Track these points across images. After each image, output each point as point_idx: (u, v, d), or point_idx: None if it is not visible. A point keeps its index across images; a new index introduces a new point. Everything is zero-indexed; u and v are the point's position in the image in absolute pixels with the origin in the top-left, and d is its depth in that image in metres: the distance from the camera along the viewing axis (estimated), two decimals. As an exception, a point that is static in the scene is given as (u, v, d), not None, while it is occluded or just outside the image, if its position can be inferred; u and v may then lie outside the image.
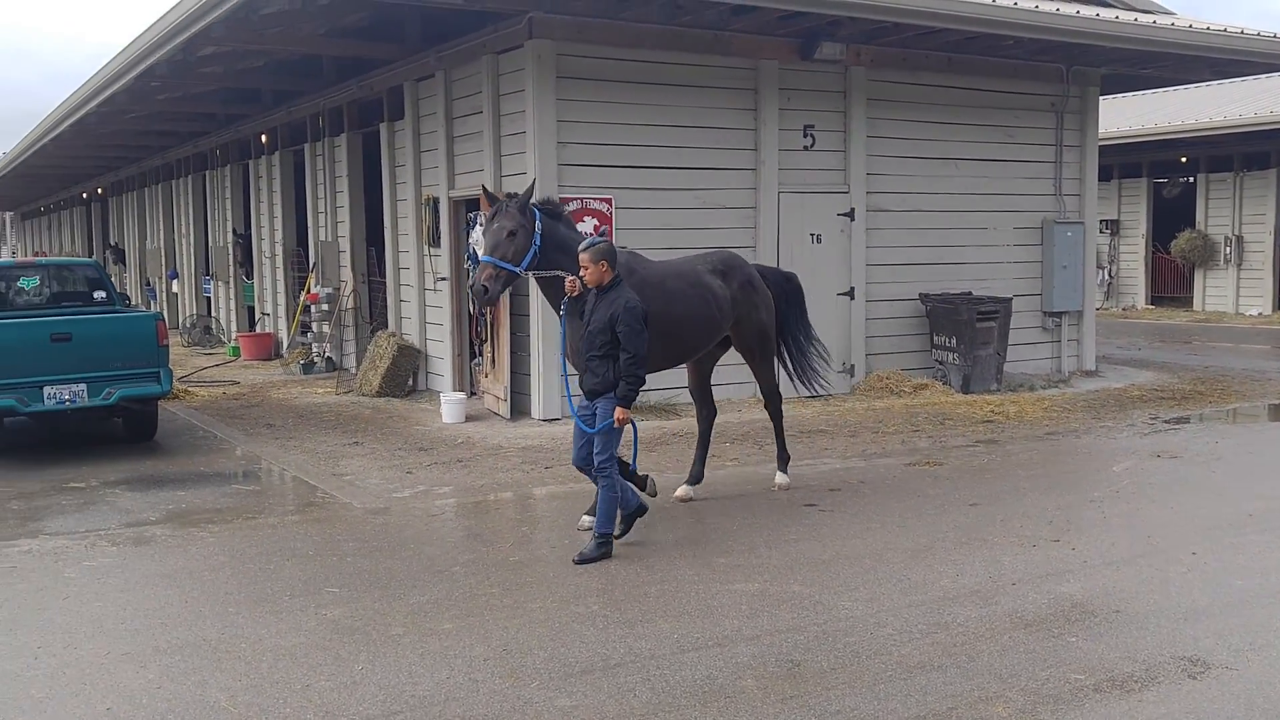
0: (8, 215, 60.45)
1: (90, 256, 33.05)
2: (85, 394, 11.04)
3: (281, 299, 20.69)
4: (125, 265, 31.80)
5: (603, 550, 7.28)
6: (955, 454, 10.84)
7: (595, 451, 7.46)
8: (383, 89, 16.01)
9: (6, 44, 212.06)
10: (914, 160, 14.90)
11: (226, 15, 12.23)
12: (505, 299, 12.53)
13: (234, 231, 22.63)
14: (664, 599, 6.49)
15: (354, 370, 16.75)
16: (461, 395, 13.22)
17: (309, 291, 18.36)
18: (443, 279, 14.46)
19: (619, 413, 7.35)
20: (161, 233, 28.14)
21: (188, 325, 24.42)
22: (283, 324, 20.61)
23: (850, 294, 14.47)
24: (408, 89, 15.11)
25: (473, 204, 13.58)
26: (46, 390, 10.90)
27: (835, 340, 14.35)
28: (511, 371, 12.89)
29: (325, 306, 17.84)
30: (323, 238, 18.51)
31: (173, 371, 12.07)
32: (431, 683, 5.28)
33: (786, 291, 9.65)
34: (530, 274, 8.15)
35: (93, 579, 7.07)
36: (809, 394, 10.22)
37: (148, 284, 29.39)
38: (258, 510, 9.02)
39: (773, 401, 9.61)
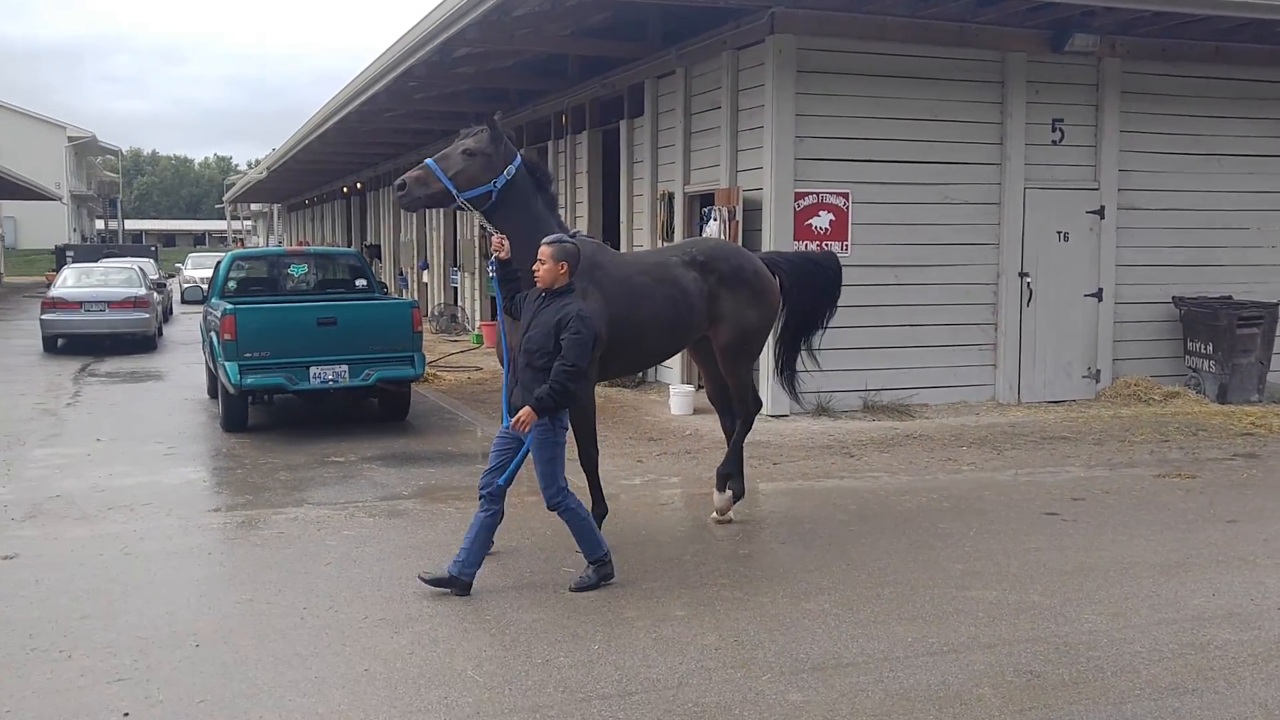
0: (275, 207, 65.18)
1: (351, 247, 35.18)
2: (347, 375, 11.82)
3: (521, 290, 21.46)
4: (380, 258, 33.75)
5: (602, 574, 6.63)
6: (1210, 467, 10.19)
7: (541, 487, 6.60)
8: (624, 87, 16.37)
9: (281, 47, 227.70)
10: (1171, 156, 14.07)
11: (481, 18, 12.81)
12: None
13: (481, 225, 23.61)
14: (898, 601, 6.41)
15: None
16: (690, 388, 13.39)
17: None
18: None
19: (523, 413, 6.38)
20: (414, 226, 29.70)
21: (436, 313, 25.70)
22: (521, 314, 21.37)
23: (1098, 295, 13.80)
24: (648, 86, 15.40)
25: (707, 199, 13.72)
26: (312, 370, 11.74)
27: (1080, 343, 13.75)
28: (742, 366, 12.95)
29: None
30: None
31: (425, 356, 12.76)
32: (664, 667, 5.41)
33: (816, 283, 8.51)
34: (470, 209, 7.39)
35: (352, 547, 7.57)
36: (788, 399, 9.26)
37: (401, 274, 31.11)
38: (499, 491, 9.42)
39: (748, 406, 8.34)
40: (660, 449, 11.09)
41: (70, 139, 70.33)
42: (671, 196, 14.78)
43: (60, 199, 62.82)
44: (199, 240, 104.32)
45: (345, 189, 39.72)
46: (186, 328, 26.86)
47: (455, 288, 26.45)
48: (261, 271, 14.56)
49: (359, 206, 38.69)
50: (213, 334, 12.56)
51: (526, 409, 6.37)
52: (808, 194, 12.44)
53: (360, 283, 14.43)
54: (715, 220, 12.93)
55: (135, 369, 18.54)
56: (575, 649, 5.64)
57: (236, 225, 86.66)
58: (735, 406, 8.42)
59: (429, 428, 12.56)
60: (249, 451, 11.14)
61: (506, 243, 6.92)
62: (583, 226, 18.12)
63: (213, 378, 13.73)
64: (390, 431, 12.25)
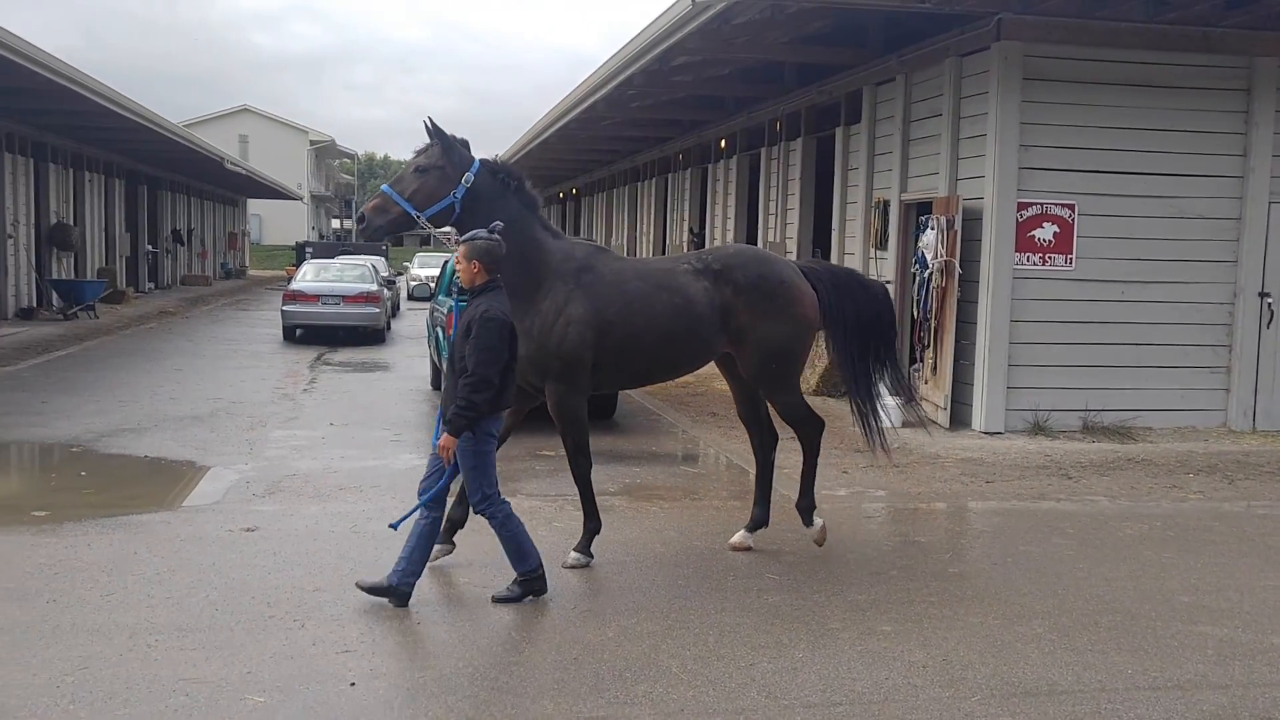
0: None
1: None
2: (558, 373, 12.16)
3: (729, 296, 21.59)
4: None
5: (528, 589, 6.38)
6: None
7: (469, 495, 6.44)
8: (840, 94, 16.24)
9: (502, 57, 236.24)
10: None
11: (701, 26, 12.97)
12: (952, 304, 12.33)
13: (690, 230, 23.88)
14: (1116, 631, 6.14)
15: (794, 368, 17.13)
16: (898, 400, 13.16)
17: (756, 290, 19.02)
18: (888, 282, 14.45)
19: (443, 440, 6.22)
20: (625, 230, 30.28)
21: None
22: (728, 320, 21.50)
23: (1351, 319, 12.80)
24: (866, 93, 15.22)
25: (924, 207, 13.46)
26: (527, 368, 12.13)
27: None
28: (954, 380, 12.65)
29: (770, 305, 18.37)
30: (771, 238, 19.09)
31: (633, 358, 12.99)
32: (870, 681, 5.36)
33: (858, 304, 7.64)
34: (432, 229, 7.18)
35: (561, 539, 7.80)
36: (871, 444, 7.92)
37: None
38: (702, 492, 9.54)
39: (803, 427, 7.66)
40: (866, 461, 10.94)
41: (312, 143, 74.94)
42: (886, 204, 14.56)
43: (301, 199, 66.98)
44: (424, 241, 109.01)
45: (561, 194, 40.87)
46: (412, 323, 28.20)
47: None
48: (484, 271, 15.13)
49: (574, 210, 39.72)
50: (438, 329, 13.16)
51: (445, 437, 6.21)
52: (1031, 204, 12.04)
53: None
54: (932, 229, 12.67)
55: (365, 360, 19.62)
56: (778, 655, 5.66)
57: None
58: (763, 434, 7.88)
59: (634, 428, 12.79)
60: (466, 443, 11.61)
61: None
62: (793, 233, 18.08)
63: (436, 370, 14.38)
64: (598, 429, 12.50)
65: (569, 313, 7.04)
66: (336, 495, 9.03)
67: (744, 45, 14.92)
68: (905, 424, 12.65)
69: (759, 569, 7.19)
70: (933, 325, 13.02)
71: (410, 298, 37.23)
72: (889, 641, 5.89)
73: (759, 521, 7.72)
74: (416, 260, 45.34)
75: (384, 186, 7.18)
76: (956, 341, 12.60)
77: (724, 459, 11.30)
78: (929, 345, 13.29)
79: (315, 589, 6.53)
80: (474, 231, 6.52)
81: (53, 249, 27.35)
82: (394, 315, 28.49)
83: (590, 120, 22.12)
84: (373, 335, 22.82)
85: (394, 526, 6.64)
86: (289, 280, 25.92)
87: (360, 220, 7.28)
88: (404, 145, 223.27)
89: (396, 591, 6.23)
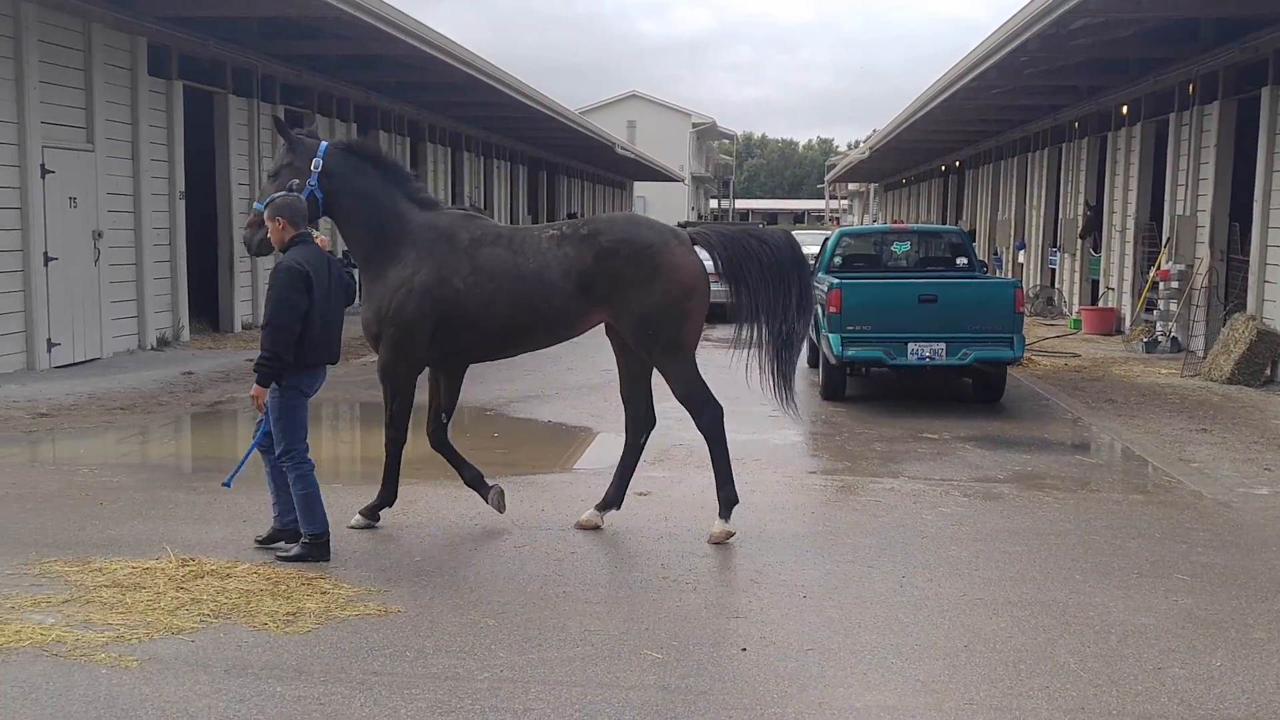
0: (872, 186, 66.68)
1: (949, 224, 35.13)
2: (944, 353, 11.86)
3: (1128, 274, 20.12)
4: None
5: (311, 552, 6.41)
6: None
7: (275, 445, 6.49)
8: (1269, 50, 14.62)
9: (883, 30, 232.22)
10: None
11: (1107, -16, 12.12)
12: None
13: (1085, 204, 22.45)
14: None
15: (1201, 353, 15.72)
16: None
17: (1159, 268, 17.61)
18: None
19: (253, 390, 6.39)
20: (1013, 204, 28.93)
21: (1031, 295, 24.87)
22: (1126, 299, 20.05)
23: None
24: (1301, 47, 13.62)
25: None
26: (910, 347, 11.92)
27: None
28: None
29: (1175, 284, 16.96)
30: (1180, 211, 17.57)
31: (1024, 339, 12.42)
32: (1302, 698, 4.84)
33: (759, 258, 7.12)
34: (309, 227, 6.76)
35: (947, 524, 7.62)
36: (779, 400, 7.59)
37: (995, 253, 30.48)
38: (1099, 483, 8.97)
39: (701, 413, 7.25)
40: (1293, 457, 9.86)
41: (694, 125, 77.22)
42: (1323, 172, 12.98)
43: (683, 180, 69.29)
44: (798, 219, 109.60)
45: (943, 167, 39.63)
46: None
47: (1053, 269, 25.40)
48: (866, 248, 15.04)
49: (955, 184, 38.41)
50: (818, 306, 13.19)
51: (255, 387, 6.39)
52: None
53: (961, 261, 14.36)
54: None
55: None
56: (1191, 661, 5.23)
57: (834, 204, 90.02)
58: (638, 414, 7.61)
59: (1023, 412, 12.23)
60: (845, 420, 11.60)
61: (324, 238, 6.83)
62: (1205, 206, 16.51)
63: (814, 348, 14.43)
64: (983, 413, 12.10)
65: (412, 281, 7.03)
66: (721, 466, 9.28)
67: (1152, 3, 13.79)
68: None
69: (1166, 568, 6.67)
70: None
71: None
72: (1326, 659, 5.28)
73: (611, 501, 7.43)
74: (793, 238, 45.70)
75: (255, 204, 7.21)
76: None
77: (1121, 448, 10.58)
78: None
79: (705, 555, 6.77)
80: (277, 194, 6.73)
81: (465, 230, 29.96)
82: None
83: (979, 90, 21.28)
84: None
85: (226, 484, 6.95)
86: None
87: (246, 242, 7.28)
88: (781, 124, 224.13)
89: (315, 541, 6.48)
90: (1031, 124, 26.57)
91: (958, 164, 37.02)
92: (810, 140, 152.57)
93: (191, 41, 16.38)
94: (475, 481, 7.48)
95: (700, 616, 5.74)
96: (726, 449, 7.36)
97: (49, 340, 13.43)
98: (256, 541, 6.80)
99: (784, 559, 6.79)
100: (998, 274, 28.54)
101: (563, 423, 11.34)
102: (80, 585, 5.99)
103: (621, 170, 52.62)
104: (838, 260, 14.52)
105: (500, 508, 7.37)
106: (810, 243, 40.40)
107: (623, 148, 41.02)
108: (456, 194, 29.52)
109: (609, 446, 10.15)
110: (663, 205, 77.25)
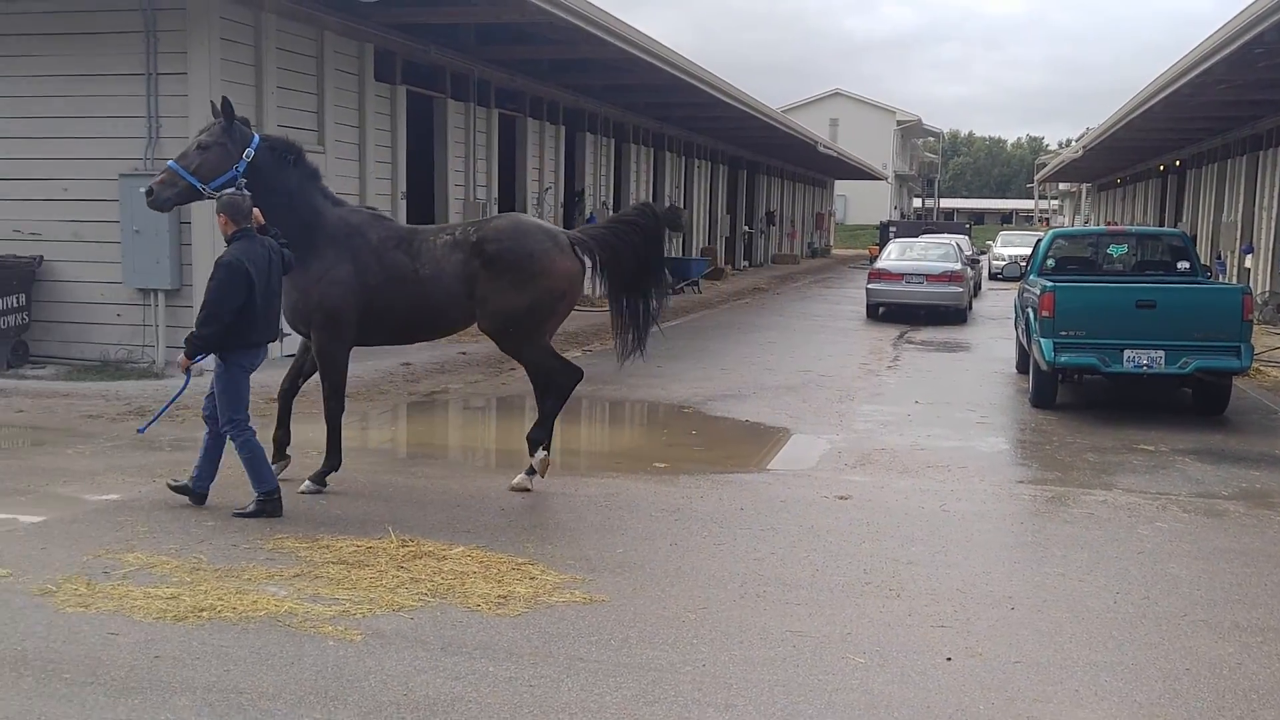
0: (1084, 186, 63.89)
1: (1168, 227, 33.38)
2: (1162, 361, 11.29)
3: (1374, 281, 18.64)
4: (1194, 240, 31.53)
5: (264, 508, 7.19)
6: None
7: (219, 416, 7.24)
8: None
9: (1097, 25, 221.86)
10: None
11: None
12: None
13: (1324, 205, 20.89)
14: None
15: None
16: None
17: None
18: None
19: (181, 359, 7.25)
20: (1240, 205, 27.21)
21: (1260, 302, 23.33)
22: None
23: None
24: None
25: None
26: (1126, 354, 11.39)
27: None
28: None
29: None
30: None
31: (1253, 348, 11.70)
32: None
33: (630, 241, 8.08)
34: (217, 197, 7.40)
35: (1165, 540, 7.26)
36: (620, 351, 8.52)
37: (1218, 257, 28.73)
38: (1340, 506, 8.37)
39: (555, 377, 8.14)
40: None
41: (898, 123, 75.83)
42: None
43: (885, 178, 68.12)
44: (1005, 219, 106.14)
45: (1161, 167, 37.61)
46: (993, 303, 27.64)
47: (1287, 275, 23.75)
48: (1081, 250, 14.46)
49: (1175, 185, 36.38)
50: (1029, 310, 12.77)
51: (182, 357, 7.24)
52: None
53: (1182, 265, 13.63)
54: None
55: (947, 340, 19.57)
56: None
57: (1043, 204, 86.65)
58: (536, 389, 8.27)
59: (1248, 426, 11.52)
60: (1056, 429, 11.19)
61: (258, 211, 7.37)
62: None
63: (1023, 353, 13.99)
64: (1204, 425, 11.46)
65: (334, 273, 7.79)
66: (924, 472, 9.13)
67: None
68: None
69: None
70: None
71: (991, 277, 36.43)
72: None
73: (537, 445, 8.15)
74: (1000, 239, 44.28)
75: (170, 162, 7.72)
76: None
77: (1366, 468, 9.81)
78: None
79: (908, 561, 6.67)
80: (227, 192, 7.39)
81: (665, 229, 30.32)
82: (975, 295, 28.06)
83: (1204, 85, 20.12)
84: (954, 315, 22.65)
85: (141, 431, 8.30)
86: (872, 259, 26.53)
87: (149, 193, 7.67)
88: (988, 121, 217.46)
89: (193, 493, 7.36)
90: (1263, 120, 24.90)
91: (1178, 163, 35.04)
92: (1019, 138, 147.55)
93: (414, 48, 17.15)
94: (280, 442, 8.21)
95: (904, 623, 5.66)
96: (561, 407, 8.32)
97: (280, 331, 14.31)
98: (169, 485, 7.50)
99: (990, 569, 6.63)
100: (1220, 279, 26.92)
101: (760, 422, 11.35)
102: (309, 561, 6.39)
103: (822, 168, 52.11)
104: (1050, 263, 14.01)
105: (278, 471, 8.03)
106: (1019, 244, 39.19)
107: (824, 146, 40.61)
108: (658, 193, 29.89)
109: (807, 447, 10.14)
110: (864, 203, 76.17)
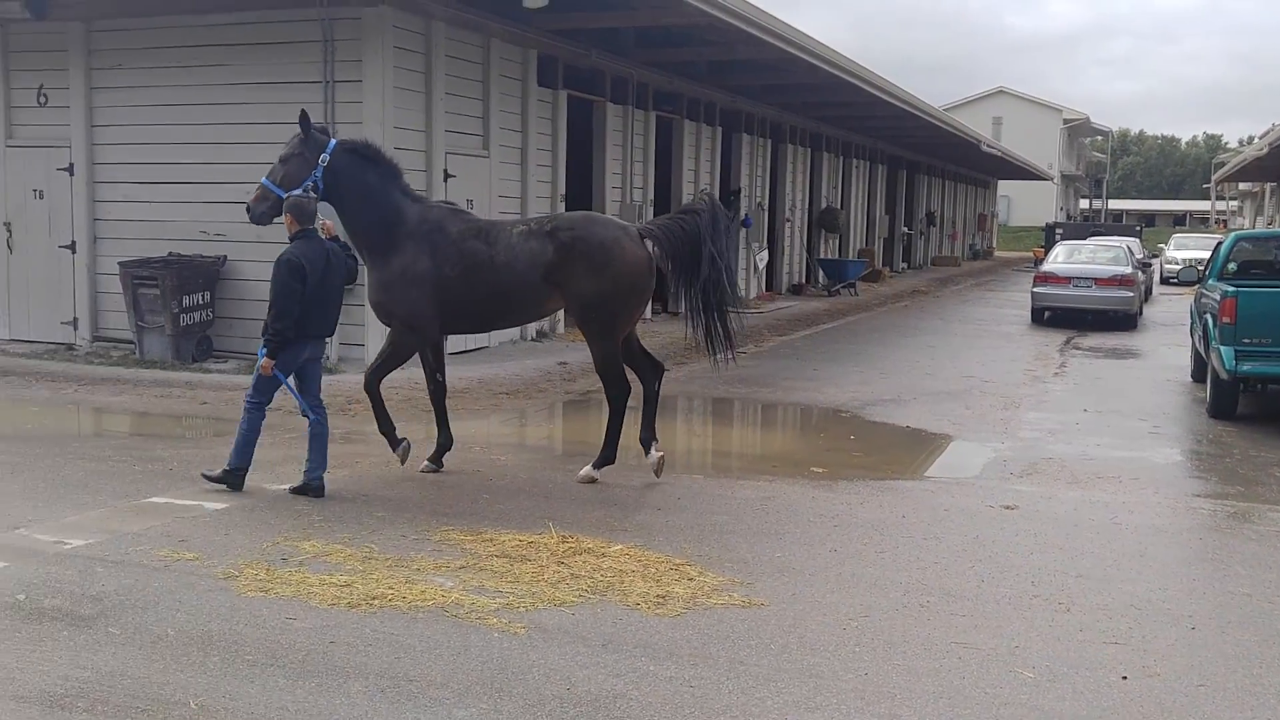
0: (1268, 186, 60.50)
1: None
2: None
3: None
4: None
5: (228, 480, 7.71)
6: None
7: (248, 392, 7.76)
8: None
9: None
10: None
11: None
12: None
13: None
14: None
15: None
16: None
17: None
18: None
19: (264, 362, 7.53)
20: None
21: None
22: None
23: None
24: None
25: None
26: (1311, 364, 10.76)
27: None
28: None
29: None
30: None
31: None
32: None
33: (689, 232, 8.21)
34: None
35: (1363, 563, 6.82)
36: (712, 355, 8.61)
37: None
38: None
39: (609, 387, 8.32)
40: None
41: (1065, 121, 73.30)
42: None
43: (1051, 179, 65.89)
44: (1178, 220, 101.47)
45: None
46: (1165, 308, 26.46)
47: None
48: (1266, 254, 13.72)
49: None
50: (1207, 316, 12.17)
51: (265, 360, 7.52)
52: None
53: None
54: None
55: (1116, 345, 18.80)
56: None
57: (1220, 206, 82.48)
58: (643, 369, 8.57)
59: None
60: (1237, 441, 10.64)
61: (329, 223, 8.02)
62: None
63: (1199, 361, 13.35)
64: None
65: (414, 270, 8.11)
66: (1094, 483, 8.79)
67: None
68: None
69: None
70: None
71: (1164, 281, 34.82)
72: None
73: (607, 460, 8.43)
74: (1173, 242, 42.34)
75: (262, 179, 8.20)
76: None
77: None
78: None
79: (1078, 575, 6.43)
80: (294, 193, 7.88)
81: (820, 231, 30.02)
82: (1146, 300, 26.90)
83: None
84: (1124, 320, 21.76)
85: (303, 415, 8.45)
86: (1036, 262, 25.72)
87: (248, 210, 8.20)
88: (1161, 119, 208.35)
89: (310, 486, 7.74)
90: None
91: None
92: (1194, 136, 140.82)
93: (575, 52, 17.41)
94: (388, 432, 8.54)
95: (1074, 639, 5.46)
96: (620, 420, 8.42)
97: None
98: (291, 490, 7.83)
99: (1167, 586, 6.33)
100: None
101: (921, 428, 11.12)
102: (474, 553, 6.55)
103: (985, 168, 50.74)
104: (1232, 266, 13.32)
105: (402, 460, 8.52)
106: (1194, 247, 37.36)
107: (988, 145, 39.52)
108: (814, 194, 29.61)
109: (970, 455, 9.90)
110: (1028, 205, 73.90)
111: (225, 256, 14.05)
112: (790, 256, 28.13)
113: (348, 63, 13.33)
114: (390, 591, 5.85)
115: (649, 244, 8.27)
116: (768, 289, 26.39)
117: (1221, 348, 11.17)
